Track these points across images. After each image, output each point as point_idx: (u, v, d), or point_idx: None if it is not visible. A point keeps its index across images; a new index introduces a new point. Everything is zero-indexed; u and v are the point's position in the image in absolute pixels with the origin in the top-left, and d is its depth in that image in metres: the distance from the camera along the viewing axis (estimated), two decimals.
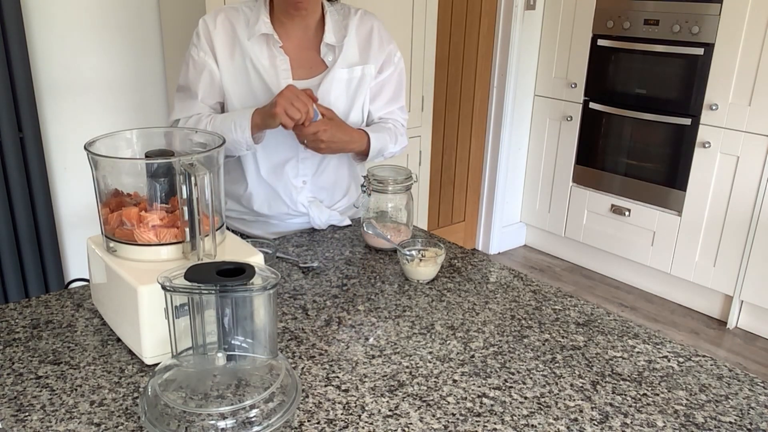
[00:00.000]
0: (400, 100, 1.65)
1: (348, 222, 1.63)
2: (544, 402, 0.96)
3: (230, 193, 1.60)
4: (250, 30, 1.46)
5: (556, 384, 1.00)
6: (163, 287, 0.85)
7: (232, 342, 0.90)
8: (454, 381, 1.00)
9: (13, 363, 1.02)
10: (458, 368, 1.04)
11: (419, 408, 0.94)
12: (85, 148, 1.06)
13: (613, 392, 0.99)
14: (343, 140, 1.46)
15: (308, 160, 1.56)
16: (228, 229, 1.64)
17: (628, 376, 1.03)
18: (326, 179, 1.60)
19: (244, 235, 1.63)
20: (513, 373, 1.03)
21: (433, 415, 0.92)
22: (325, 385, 0.98)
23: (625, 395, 0.98)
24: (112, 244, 1.07)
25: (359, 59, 1.53)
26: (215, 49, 1.46)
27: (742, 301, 2.98)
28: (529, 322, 1.19)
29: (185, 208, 1.03)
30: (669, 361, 1.08)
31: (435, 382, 1.00)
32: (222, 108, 1.54)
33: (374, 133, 1.54)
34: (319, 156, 1.56)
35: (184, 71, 1.50)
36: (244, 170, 1.55)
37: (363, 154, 1.56)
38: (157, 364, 0.96)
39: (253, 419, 0.83)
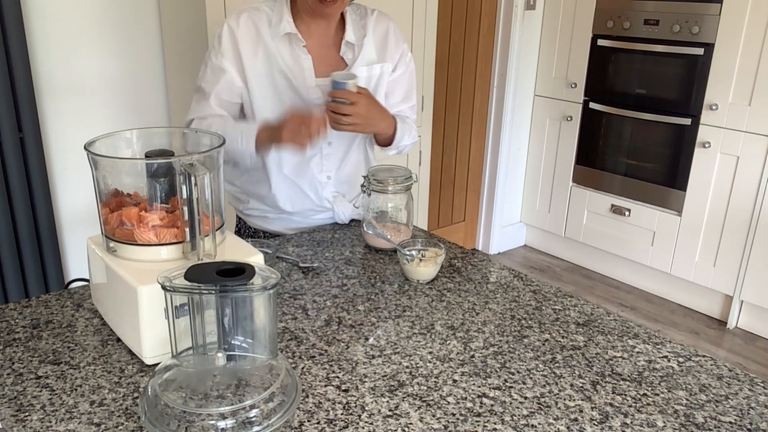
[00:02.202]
0: (411, 99, 1.67)
1: None
2: (544, 402, 0.96)
3: (252, 192, 1.62)
4: (273, 30, 1.47)
5: (556, 384, 1.00)
6: (163, 287, 0.85)
7: (232, 342, 0.90)
8: (454, 381, 1.00)
9: (13, 363, 1.02)
10: (458, 368, 1.04)
11: (419, 408, 0.94)
12: (85, 148, 1.06)
13: (613, 392, 0.99)
14: (377, 117, 1.47)
15: (332, 156, 1.58)
16: (249, 228, 1.67)
17: (628, 376, 1.03)
18: (348, 173, 1.63)
19: (266, 234, 1.65)
20: (513, 373, 1.03)
21: (433, 415, 0.92)
22: (325, 385, 0.98)
23: (625, 395, 0.98)
24: (112, 244, 1.07)
25: (377, 58, 1.56)
26: (240, 49, 1.47)
27: (742, 301, 2.98)
28: (529, 322, 1.19)
29: (185, 208, 1.03)
30: (669, 361, 1.08)
31: (435, 382, 1.00)
32: (241, 109, 1.54)
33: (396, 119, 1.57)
34: (342, 151, 1.59)
35: (201, 72, 1.51)
36: (268, 169, 1.56)
37: (390, 139, 1.56)
38: (157, 364, 0.96)
39: (253, 419, 0.83)
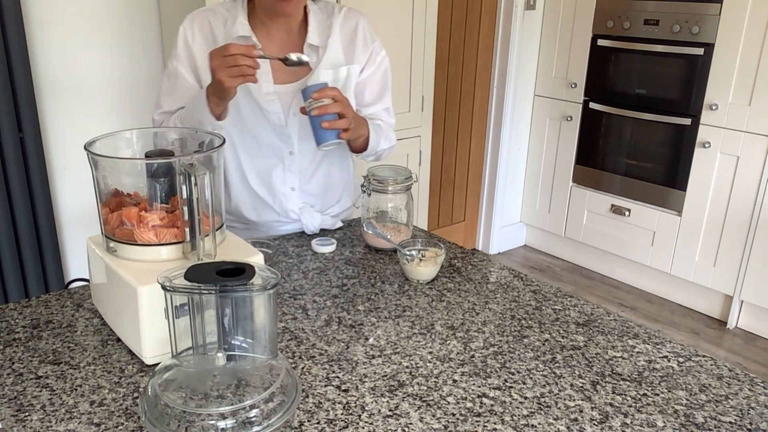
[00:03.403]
0: (384, 101, 1.57)
1: (340, 224, 1.60)
2: (544, 402, 0.96)
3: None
4: (227, 32, 1.40)
5: (556, 384, 1.00)
6: (163, 287, 0.85)
7: (232, 342, 0.90)
8: (454, 381, 1.00)
9: (13, 363, 1.02)
10: (458, 368, 1.04)
11: (419, 408, 0.94)
12: (85, 148, 1.06)
13: (613, 392, 0.99)
14: (359, 117, 1.42)
15: (295, 165, 1.51)
16: None
17: (628, 376, 1.03)
18: (316, 186, 1.56)
19: None
20: (513, 373, 1.03)
21: (433, 415, 0.92)
22: (325, 385, 0.98)
23: (625, 395, 0.98)
24: (112, 244, 1.07)
25: (344, 59, 1.47)
26: (194, 54, 1.42)
27: (742, 301, 2.98)
28: (529, 322, 1.19)
29: (185, 208, 1.03)
30: (669, 361, 1.08)
31: (435, 382, 1.00)
32: None
33: (369, 124, 1.48)
34: (306, 162, 1.52)
35: (163, 80, 1.48)
36: (228, 179, 1.51)
37: (365, 142, 1.48)
38: (157, 364, 0.96)
39: (253, 419, 0.83)
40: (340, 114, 1.32)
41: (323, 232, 1.57)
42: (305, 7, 1.45)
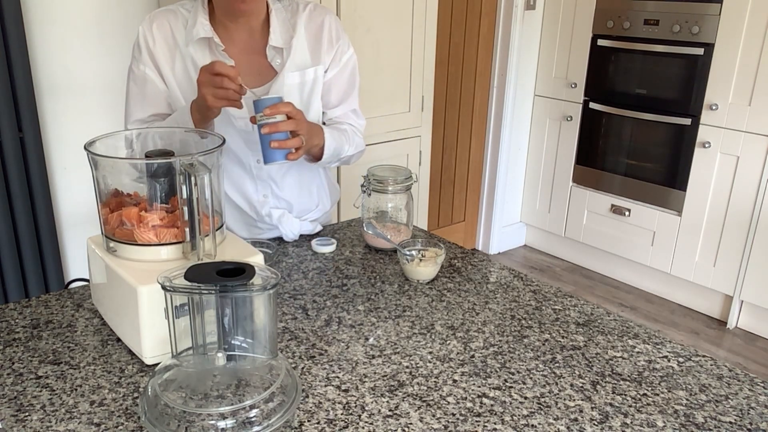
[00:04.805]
0: (351, 102, 1.52)
1: (320, 228, 1.58)
2: (544, 402, 0.96)
3: None
4: (188, 34, 1.35)
5: (556, 384, 1.00)
6: (163, 287, 0.85)
7: (232, 342, 0.90)
8: (454, 381, 1.00)
9: (13, 363, 1.02)
10: (458, 368, 1.04)
11: (419, 408, 0.94)
12: (85, 148, 1.06)
13: (613, 392, 0.99)
14: (314, 130, 1.35)
15: (263, 173, 1.47)
16: None
17: (628, 376, 1.03)
18: (288, 192, 1.52)
19: None
20: (513, 373, 1.03)
21: (433, 415, 0.92)
22: (325, 385, 0.98)
23: (625, 395, 0.98)
24: (112, 244, 1.07)
25: (310, 60, 1.42)
26: (156, 58, 1.37)
27: (742, 301, 2.98)
28: (529, 322, 1.19)
29: (185, 208, 1.03)
30: (669, 361, 1.08)
31: (435, 382, 1.00)
32: None
33: (329, 131, 1.42)
34: (274, 168, 1.47)
35: (127, 86, 1.41)
36: None
37: (318, 155, 1.42)
38: (157, 364, 0.96)
39: (253, 419, 0.83)
40: (293, 132, 1.26)
41: (323, 232, 1.57)
42: (267, 7, 1.40)
